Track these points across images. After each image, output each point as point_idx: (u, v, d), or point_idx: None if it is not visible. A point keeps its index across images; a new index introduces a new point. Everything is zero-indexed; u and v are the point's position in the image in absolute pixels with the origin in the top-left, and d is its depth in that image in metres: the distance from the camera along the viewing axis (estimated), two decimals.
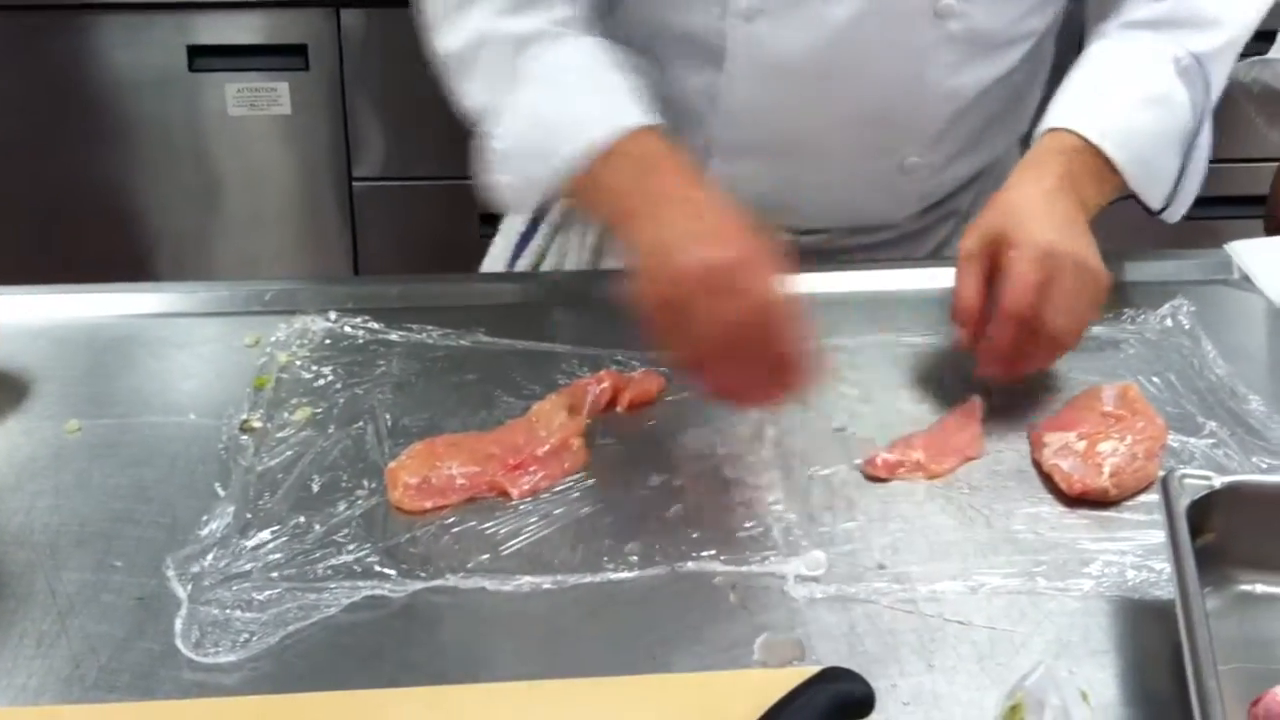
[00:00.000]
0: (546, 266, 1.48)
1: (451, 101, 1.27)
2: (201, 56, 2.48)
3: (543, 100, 1.20)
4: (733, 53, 1.29)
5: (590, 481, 1.08)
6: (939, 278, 1.36)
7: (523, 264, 1.49)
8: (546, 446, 1.11)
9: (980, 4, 1.28)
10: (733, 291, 1.01)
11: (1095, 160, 1.22)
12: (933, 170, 1.40)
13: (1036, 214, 1.15)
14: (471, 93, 1.25)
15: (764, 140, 1.34)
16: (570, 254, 1.47)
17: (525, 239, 1.49)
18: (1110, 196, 1.25)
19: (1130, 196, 1.26)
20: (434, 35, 1.26)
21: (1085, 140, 1.21)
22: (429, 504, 1.05)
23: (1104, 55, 1.30)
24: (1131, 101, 1.26)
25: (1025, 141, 1.42)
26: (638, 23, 1.32)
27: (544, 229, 1.48)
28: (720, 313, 1.01)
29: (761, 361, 1.03)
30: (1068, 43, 1.42)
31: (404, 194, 2.62)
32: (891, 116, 1.33)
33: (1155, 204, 1.29)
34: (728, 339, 1.01)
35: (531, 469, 1.09)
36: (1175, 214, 1.31)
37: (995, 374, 1.15)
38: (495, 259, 1.54)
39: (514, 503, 1.05)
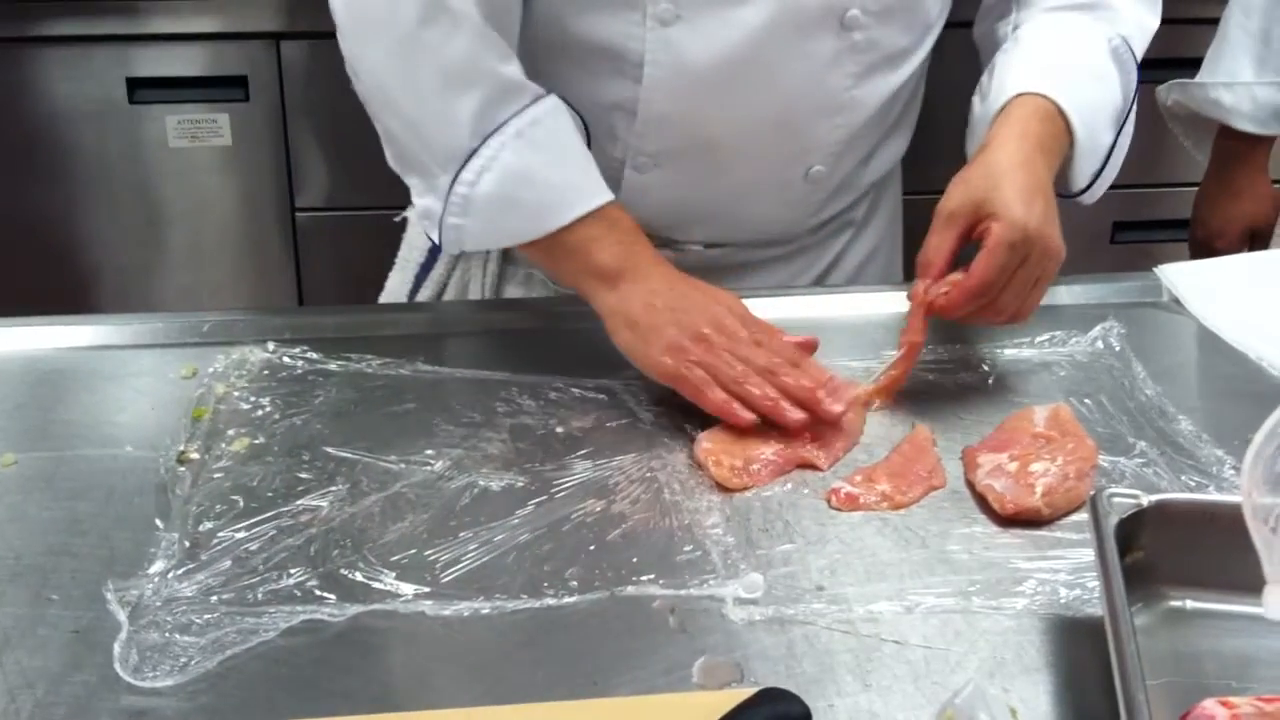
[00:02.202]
0: (448, 297, 1.50)
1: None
2: (142, 89, 2.47)
3: (525, 162, 1.22)
4: (651, 60, 1.30)
5: (530, 507, 1.08)
6: (878, 303, 1.38)
7: (425, 294, 1.50)
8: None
9: (882, 18, 1.31)
10: (735, 324, 1.18)
11: (1058, 128, 1.26)
12: (834, 181, 1.43)
13: (1018, 185, 1.19)
14: (445, 132, 1.22)
15: (677, 148, 1.36)
16: (472, 284, 1.48)
17: (425, 270, 1.50)
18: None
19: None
20: (412, 24, 1.20)
21: (1055, 107, 1.26)
22: (749, 482, 1.11)
23: (1044, 34, 1.34)
24: (1083, 75, 1.30)
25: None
26: (548, 36, 1.32)
27: (443, 260, 1.49)
28: (712, 316, 1.17)
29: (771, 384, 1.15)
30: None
31: (347, 224, 2.62)
32: (798, 124, 1.35)
33: (1082, 181, 1.33)
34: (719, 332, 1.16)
35: (831, 442, 1.15)
36: (1095, 194, 1.36)
37: (938, 314, 1.21)
38: (392, 293, 1.55)
39: (454, 529, 1.06)
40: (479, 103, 1.21)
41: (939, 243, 1.20)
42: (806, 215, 1.46)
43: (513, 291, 1.49)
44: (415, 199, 1.27)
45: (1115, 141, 1.33)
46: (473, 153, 1.21)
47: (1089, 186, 1.34)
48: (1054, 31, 1.34)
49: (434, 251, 1.50)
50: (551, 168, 1.23)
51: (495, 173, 1.21)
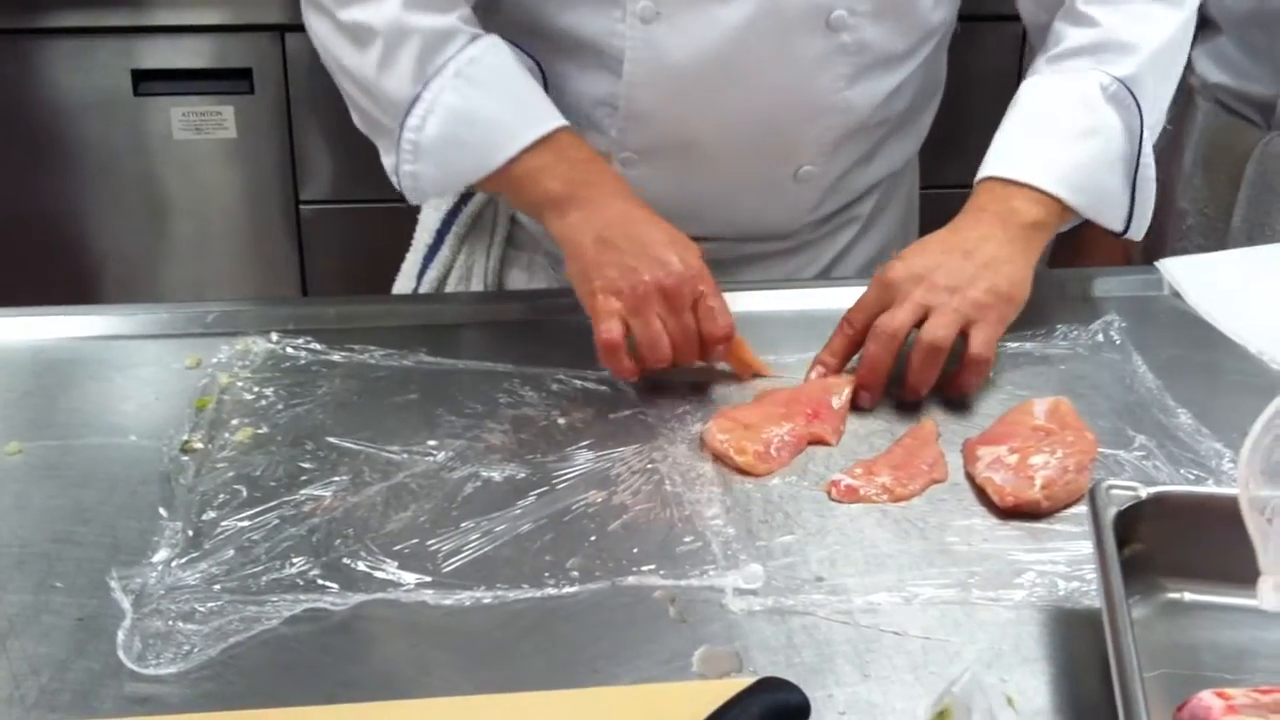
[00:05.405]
0: (452, 281, 1.52)
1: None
2: (146, 80, 2.48)
3: (466, 99, 1.24)
4: (631, 57, 1.31)
5: (531, 498, 1.09)
6: None
7: (431, 275, 1.52)
8: (837, 399, 1.20)
9: (873, 19, 1.31)
10: (670, 257, 1.18)
11: (1040, 196, 1.26)
12: (828, 181, 1.43)
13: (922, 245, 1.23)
14: (388, 84, 1.26)
15: (661, 144, 1.37)
16: (475, 267, 1.50)
17: (432, 251, 1.51)
18: (1068, 222, 1.30)
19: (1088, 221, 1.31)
20: (337, 6, 1.27)
21: (1026, 184, 1.26)
22: (773, 466, 1.12)
23: (1034, 94, 1.33)
24: (1066, 137, 1.29)
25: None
26: (529, 28, 1.34)
27: (450, 241, 1.51)
28: (661, 274, 1.17)
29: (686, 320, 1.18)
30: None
31: (351, 216, 2.63)
32: (784, 124, 1.35)
33: (1116, 226, 1.32)
34: (661, 296, 1.17)
35: (829, 420, 1.17)
36: (1138, 231, 1.34)
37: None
38: (406, 274, 1.56)
39: (456, 519, 1.06)
40: (417, 52, 1.24)
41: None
42: (802, 213, 1.46)
43: (516, 276, 1.50)
44: (382, 158, 1.31)
45: (1136, 178, 1.31)
46: (416, 99, 1.24)
47: (1127, 226, 1.32)
48: (1042, 94, 1.33)
49: (440, 233, 1.51)
50: (494, 102, 1.25)
51: (439, 114, 1.24)
